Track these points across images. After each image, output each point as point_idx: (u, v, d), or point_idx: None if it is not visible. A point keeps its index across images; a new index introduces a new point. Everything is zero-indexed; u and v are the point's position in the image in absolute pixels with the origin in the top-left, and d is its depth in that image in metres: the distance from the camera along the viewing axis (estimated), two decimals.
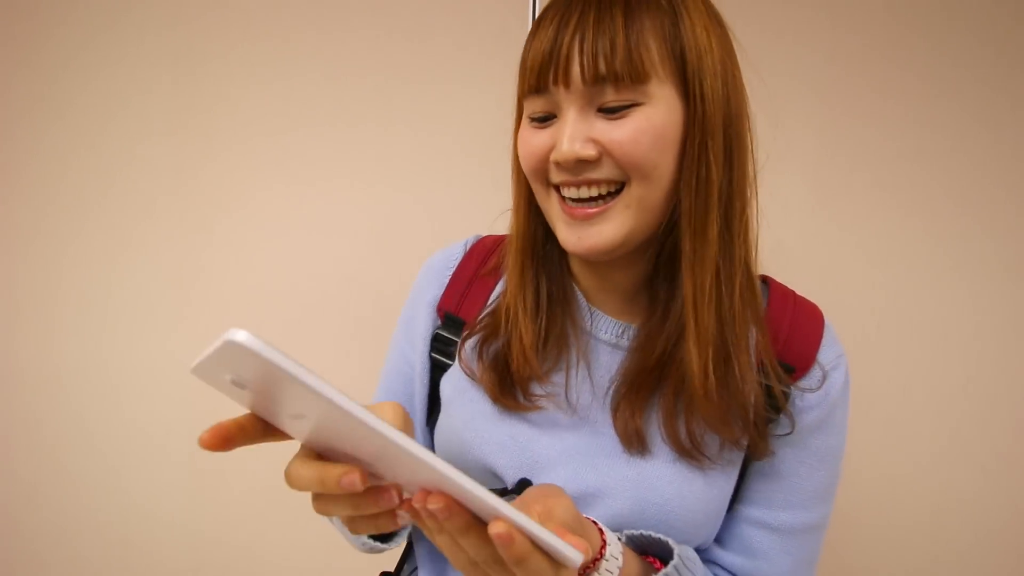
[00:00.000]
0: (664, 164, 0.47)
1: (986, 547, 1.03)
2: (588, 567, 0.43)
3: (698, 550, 0.55)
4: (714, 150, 0.47)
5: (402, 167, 1.10)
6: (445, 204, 1.09)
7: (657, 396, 0.52)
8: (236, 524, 1.19)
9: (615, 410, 0.53)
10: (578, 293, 0.58)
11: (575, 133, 0.47)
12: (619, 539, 0.47)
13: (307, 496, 0.35)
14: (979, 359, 1.01)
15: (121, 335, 1.16)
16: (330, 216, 1.12)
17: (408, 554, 0.68)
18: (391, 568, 0.69)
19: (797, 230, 1.02)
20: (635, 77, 0.45)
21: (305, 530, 1.16)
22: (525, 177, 0.55)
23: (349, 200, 1.12)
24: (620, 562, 0.44)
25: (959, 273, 1.00)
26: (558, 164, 0.48)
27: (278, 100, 1.11)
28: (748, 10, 0.98)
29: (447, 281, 0.63)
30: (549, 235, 0.56)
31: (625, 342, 0.56)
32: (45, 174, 1.14)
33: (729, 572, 0.57)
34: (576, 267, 0.59)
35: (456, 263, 0.64)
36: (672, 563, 0.47)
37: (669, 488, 0.51)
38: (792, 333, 0.54)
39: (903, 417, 1.03)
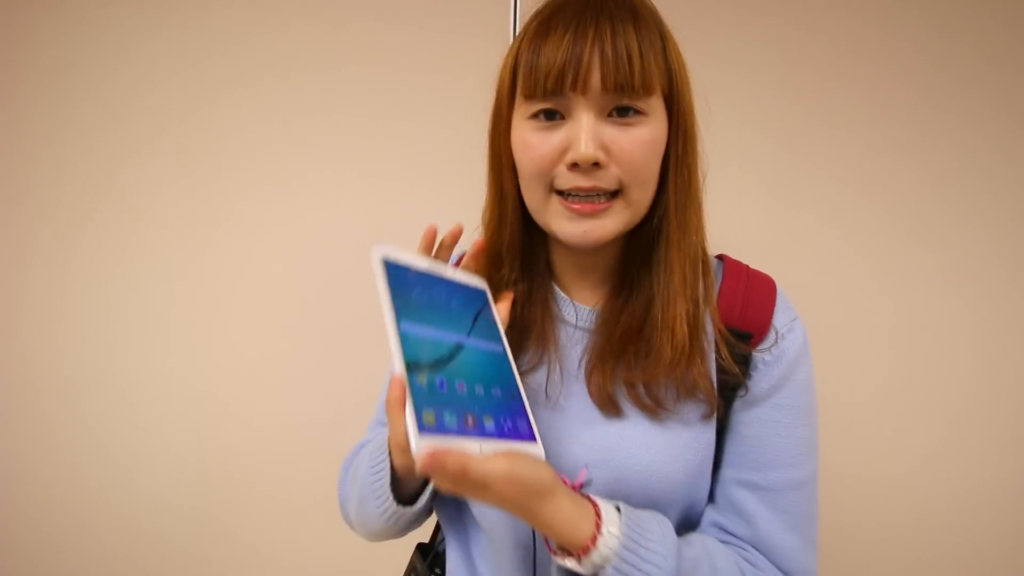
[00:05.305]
0: (654, 169, 0.54)
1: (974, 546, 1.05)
2: (587, 546, 0.46)
3: (692, 517, 0.59)
4: (693, 156, 0.55)
5: (401, 173, 1.13)
6: (438, 205, 1.11)
7: (620, 365, 0.56)
8: (243, 517, 1.22)
9: (588, 382, 0.57)
10: (555, 287, 0.62)
11: (593, 135, 0.50)
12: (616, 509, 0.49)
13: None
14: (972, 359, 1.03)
15: (130, 341, 1.20)
16: (331, 219, 1.15)
17: (440, 526, 0.70)
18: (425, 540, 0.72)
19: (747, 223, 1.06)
20: (646, 89, 0.50)
21: (308, 523, 1.19)
22: (513, 177, 0.57)
23: (349, 203, 1.14)
24: (620, 540, 0.47)
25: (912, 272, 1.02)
26: (575, 165, 0.51)
27: (279, 104, 1.14)
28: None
29: None
30: (529, 232, 0.59)
31: (589, 324, 0.60)
32: (48, 185, 1.18)
33: (730, 534, 0.58)
34: (557, 255, 0.62)
35: None
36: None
37: (642, 440, 0.55)
38: (747, 302, 0.58)
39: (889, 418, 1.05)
